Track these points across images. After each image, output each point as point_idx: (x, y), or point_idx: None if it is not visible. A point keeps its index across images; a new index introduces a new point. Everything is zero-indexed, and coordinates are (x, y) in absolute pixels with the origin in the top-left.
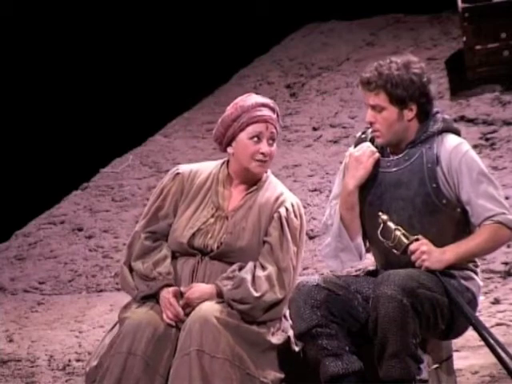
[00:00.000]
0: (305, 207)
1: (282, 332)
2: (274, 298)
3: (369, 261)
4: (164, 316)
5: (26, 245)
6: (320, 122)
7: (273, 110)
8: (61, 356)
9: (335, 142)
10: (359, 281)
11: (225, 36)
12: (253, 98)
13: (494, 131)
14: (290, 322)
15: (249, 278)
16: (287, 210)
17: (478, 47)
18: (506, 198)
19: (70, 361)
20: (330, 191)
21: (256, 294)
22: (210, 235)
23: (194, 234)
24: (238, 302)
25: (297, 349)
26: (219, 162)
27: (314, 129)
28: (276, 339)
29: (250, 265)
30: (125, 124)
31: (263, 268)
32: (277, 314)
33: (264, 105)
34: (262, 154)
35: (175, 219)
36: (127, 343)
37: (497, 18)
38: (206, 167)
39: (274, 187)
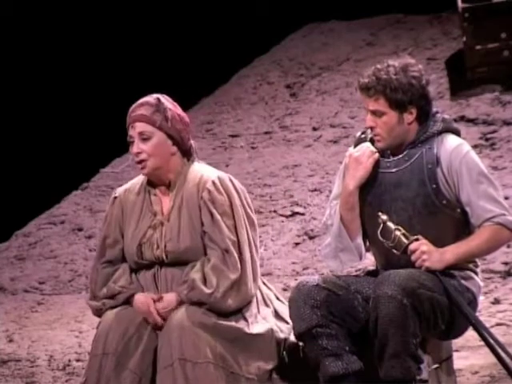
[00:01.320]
0: (305, 207)
1: (262, 320)
2: (227, 283)
3: (369, 261)
4: (151, 319)
5: (26, 245)
6: (320, 122)
7: (151, 105)
8: (61, 356)
9: (335, 142)
10: (359, 281)
11: (225, 36)
12: (138, 101)
13: (494, 131)
14: (271, 308)
15: (198, 276)
16: (209, 191)
17: (478, 47)
18: (506, 198)
19: (70, 361)
20: (330, 191)
21: (209, 291)
22: (155, 246)
23: (139, 248)
24: (197, 303)
25: (282, 337)
26: None
27: (314, 129)
28: (256, 329)
29: (200, 262)
30: (125, 124)
31: (209, 261)
32: (243, 297)
33: (142, 104)
34: (135, 154)
35: (124, 239)
36: (101, 345)
37: (497, 17)
38: (138, 180)
39: (194, 175)
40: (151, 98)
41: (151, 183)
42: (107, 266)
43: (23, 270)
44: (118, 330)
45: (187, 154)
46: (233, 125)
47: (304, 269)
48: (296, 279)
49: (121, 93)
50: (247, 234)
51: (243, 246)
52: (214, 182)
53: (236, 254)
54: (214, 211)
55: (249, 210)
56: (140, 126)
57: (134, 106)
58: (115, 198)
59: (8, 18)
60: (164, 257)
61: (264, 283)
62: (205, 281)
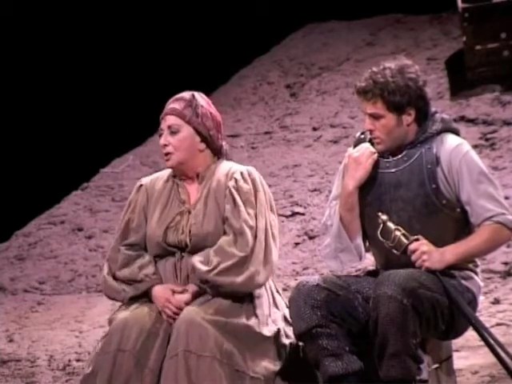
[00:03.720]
0: (305, 207)
1: (272, 323)
2: (231, 261)
3: (369, 261)
4: (164, 316)
5: (26, 245)
6: (320, 122)
7: (184, 100)
8: (61, 356)
9: (335, 142)
10: (359, 281)
11: (225, 36)
12: (177, 95)
13: (494, 131)
14: (281, 311)
15: (197, 258)
16: (236, 180)
17: (477, 47)
18: (506, 198)
19: (70, 361)
20: (330, 191)
21: (206, 268)
22: (180, 231)
23: (166, 232)
24: (202, 283)
25: (287, 341)
26: None
27: (314, 129)
28: (267, 331)
29: (209, 249)
30: (125, 124)
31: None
32: (250, 277)
33: (176, 99)
34: (162, 146)
35: (147, 224)
36: (115, 341)
37: (497, 17)
38: (165, 172)
39: (224, 168)
40: (186, 94)
41: (178, 176)
42: (130, 248)
43: (23, 270)
44: (134, 328)
45: (217, 152)
46: (233, 125)
47: (304, 269)
48: (296, 279)
49: (121, 93)
50: (266, 223)
51: (260, 232)
52: (241, 173)
53: (250, 237)
54: (237, 198)
55: (273, 210)
56: (170, 119)
57: (171, 99)
58: (141, 185)
59: (8, 18)
60: (188, 241)
61: (277, 290)
62: (202, 261)
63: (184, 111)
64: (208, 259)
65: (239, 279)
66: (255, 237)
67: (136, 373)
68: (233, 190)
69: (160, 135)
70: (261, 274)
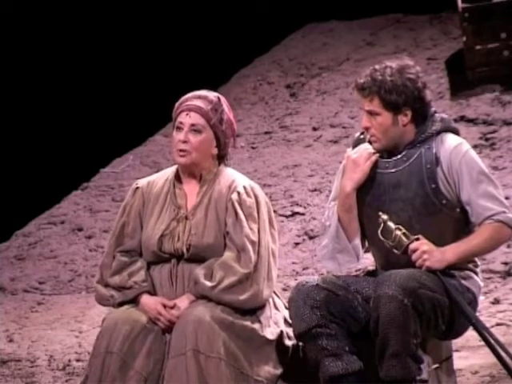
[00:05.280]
0: (305, 207)
1: (274, 325)
2: (235, 278)
3: (368, 261)
4: (160, 325)
5: (26, 245)
6: (320, 122)
7: (210, 102)
8: (61, 356)
9: (335, 142)
10: (359, 281)
11: (225, 36)
12: (196, 92)
13: (494, 131)
14: (282, 313)
15: (202, 271)
16: (239, 193)
17: (477, 47)
18: (506, 198)
19: (70, 361)
20: (330, 191)
21: (210, 284)
22: (176, 238)
23: (161, 240)
24: (202, 297)
25: (289, 343)
26: (175, 166)
27: (314, 129)
28: (270, 333)
29: (213, 259)
30: (125, 124)
31: (220, 257)
32: (254, 295)
33: (200, 96)
34: (180, 141)
35: (143, 230)
36: (105, 343)
37: (497, 17)
38: (164, 174)
39: (226, 178)
40: (211, 95)
41: (179, 177)
42: (125, 254)
43: (23, 269)
44: (122, 330)
45: (221, 158)
46: None
47: (304, 269)
48: (296, 279)
49: (121, 93)
50: (268, 240)
51: (262, 248)
52: (244, 187)
53: (252, 254)
54: (239, 212)
55: (273, 224)
56: (195, 118)
57: (189, 95)
58: (137, 188)
59: (8, 15)
60: (184, 250)
61: (275, 293)
62: (211, 276)
63: (210, 113)
64: (211, 273)
65: (242, 297)
66: (258, 253)
67: (120, 375)
68: (235, 204)
69: (178, 128)
70: (264, 292)
